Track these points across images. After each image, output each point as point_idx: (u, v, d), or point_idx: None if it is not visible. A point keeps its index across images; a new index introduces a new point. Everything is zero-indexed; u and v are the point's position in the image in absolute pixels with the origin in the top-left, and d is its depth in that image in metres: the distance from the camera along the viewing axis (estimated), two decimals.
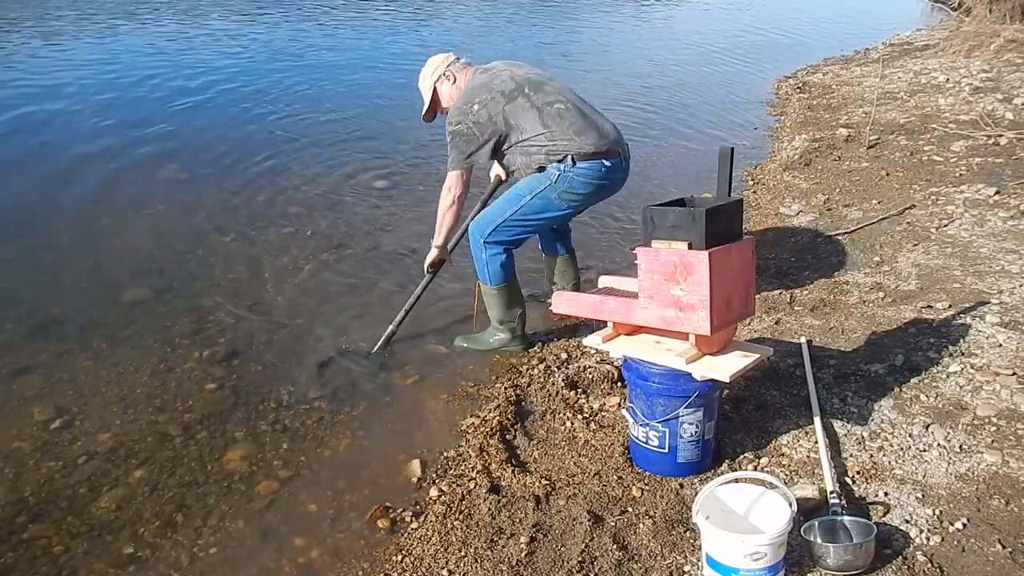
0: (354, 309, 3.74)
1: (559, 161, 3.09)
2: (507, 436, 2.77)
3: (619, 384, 3.03)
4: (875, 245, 4.23)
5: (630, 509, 2.36)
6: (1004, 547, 2.08)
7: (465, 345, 3.44)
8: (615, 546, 2.19)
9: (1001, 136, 5.79)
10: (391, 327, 3.39)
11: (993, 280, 3.60)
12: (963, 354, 3.00)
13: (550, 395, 3.00)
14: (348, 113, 6.73)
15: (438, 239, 3.33)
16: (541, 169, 3.15)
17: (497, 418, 2.84)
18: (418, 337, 3.50)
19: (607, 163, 3.12)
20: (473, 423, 2.87)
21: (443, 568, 2.17)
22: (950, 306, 3.38)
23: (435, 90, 3.32)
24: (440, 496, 2.48)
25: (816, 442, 2.55)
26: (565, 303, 2.75)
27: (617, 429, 2.76)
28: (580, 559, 2.15)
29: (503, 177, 3.53)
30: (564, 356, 3.34)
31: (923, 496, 2.30)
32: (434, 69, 3.31)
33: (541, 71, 3.31)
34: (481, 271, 3.31)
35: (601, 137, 3.13)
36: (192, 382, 3.11)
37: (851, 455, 2.53)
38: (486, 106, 3.10)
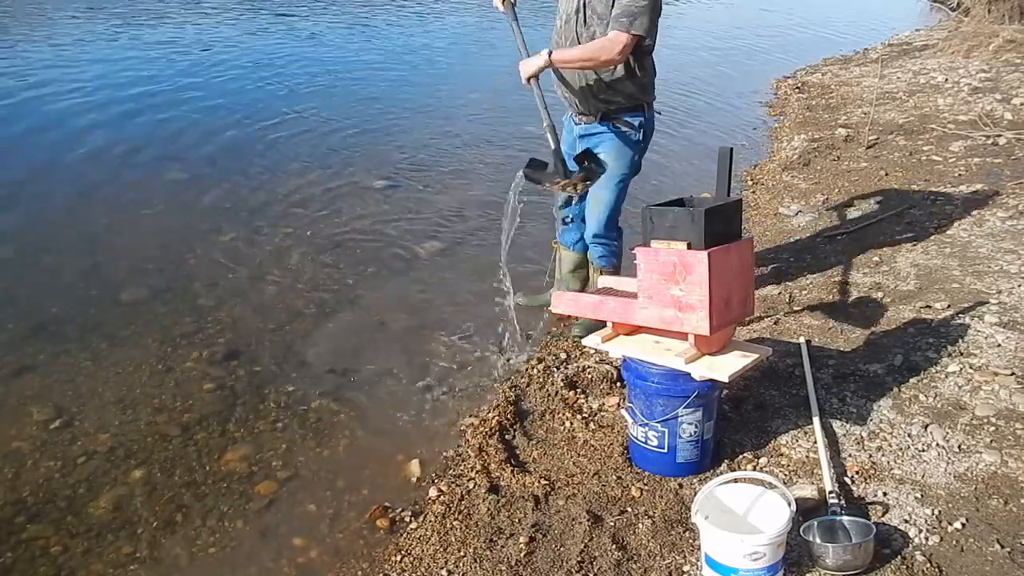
0: (354, 308, 3.74)
1: (648, 106, 3.16)
2: (506, 436, 2.77)
3: (618, 384, 3.03)
4: (874, 245, 4.23)
5: (629, 509, 2.36)
6: (1003, 547, 2.08)
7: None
8: (614, 546, 2.19)
9: (1000, 136, 5.79)
10: (546, 122, 2.96)
11: (992, 280, 3.60)
12: (962, 354, 3.01)
13: (549, 395, 3.00)
14: (348, 113, 6.72)
15: (562, 55, 2.97)
16: (632, 103, 3.10)
17: (496, 418, 2.84)
18: (418, 337, 3.50)
19: (657, 116, 3.28)
20: (472, 423, 2.87)
21: (442, 568, 2.17)
22: (949, 306, 3.39)
23: None
24: (439, 496, 2.49)
25: (815, 442, 2.56)
26: (565, 303, 2.75)
27: (616, 429, 2.76)
28: (579, 559, 2.15)
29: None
30: (564, 356, 3.34)
31: (922, 496, 2.30)
32: None
33: None
34: (609, 257, 3.37)
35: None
36: (191, 382, 3.11)
37: (850, 455, 2.53)
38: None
